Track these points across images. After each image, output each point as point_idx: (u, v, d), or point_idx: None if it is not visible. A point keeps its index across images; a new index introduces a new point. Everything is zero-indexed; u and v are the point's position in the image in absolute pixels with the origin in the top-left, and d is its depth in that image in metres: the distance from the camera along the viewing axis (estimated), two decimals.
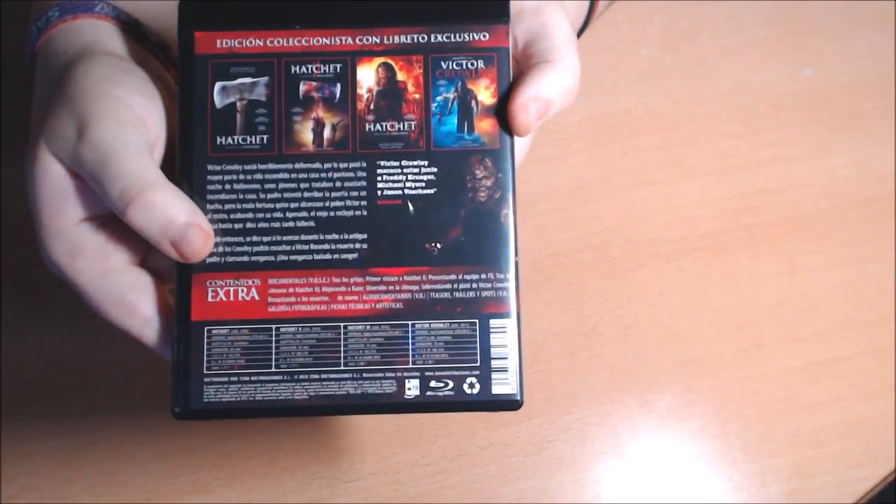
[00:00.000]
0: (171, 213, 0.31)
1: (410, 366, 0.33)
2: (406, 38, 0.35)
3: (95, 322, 0.49)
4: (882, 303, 0.51)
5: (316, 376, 0.33)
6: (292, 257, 0.33)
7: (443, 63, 0.35)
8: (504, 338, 0.33)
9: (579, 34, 0.45)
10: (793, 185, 0.53)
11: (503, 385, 0.33)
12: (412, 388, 0.33)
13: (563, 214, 0.52)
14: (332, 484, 0.47)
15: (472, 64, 0.35)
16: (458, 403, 0.33)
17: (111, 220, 0.33)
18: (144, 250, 0.34)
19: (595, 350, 0.50)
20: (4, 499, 0.46)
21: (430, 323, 0.33)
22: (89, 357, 0.49)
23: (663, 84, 0.55)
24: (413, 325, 0.33)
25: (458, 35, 0.35)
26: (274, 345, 0.33)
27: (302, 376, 0.33)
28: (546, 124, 0.54)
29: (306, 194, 0.34)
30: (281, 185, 0.34)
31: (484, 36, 0.35)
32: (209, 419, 0.33)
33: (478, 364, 0.33)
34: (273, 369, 0.33)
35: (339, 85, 0.34)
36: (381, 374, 0.33)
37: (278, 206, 0.33)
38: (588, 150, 0.54)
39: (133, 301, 0.33)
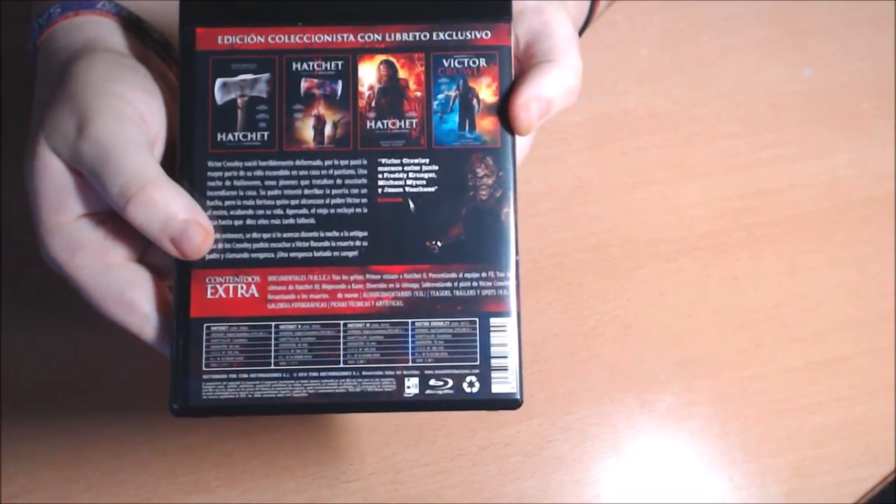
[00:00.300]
0: (170, 209, 0.31)
1: (410, 364, 0.33)
2: (408, 36, 0.34)
3: (95, 322, 0.49)
4: (882, 303, 0.51)
5: (315, 374, 0.33)
6: (292, 254, 0.33)
7: (444, 61, 0.35)
8: (504, 337, 0.33)
9: (580, 33, 0.45)
10: (793, 185, 0.53)
11: (503, 384, 0.33)
12: (412, 386, 0.33)
13: (563, 214, 0.52)
14: (332, 484, 0.47)
15: (474, 62, 0.35)
16: (458, 402, 0.33)
17: (110, 216, 0.33)
18: (143, 247, 0.34)
19: (595, 350, 0.50)
20: (4, 499, 0.46)
21: (430, 321, 0.33)
22: (89, 357, 0.49)
23: (663, 84, 0.55)
24: (413, 323, 0.33)
25: (459, 33, 0.35)
26: (273, 342, 0.33)
27: (301, 374, 0.33)
28: (546, 124, 0.54)
29: (307, 191, 0.34)
30: (281, 182, 0.33)
31: (486, 34, 0.35)
32: (207, 416, 0.33)
33: (478, 363, 0.33)
34: (272, 367, 0.33)
35: (340, 82, 0.34)
36: (380, 373, 0.33)
37: (278, 202, 0.33)
38: (588, 150, 0.54)
39: (132, 298, 0.33)
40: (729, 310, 0.51)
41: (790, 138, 0.54)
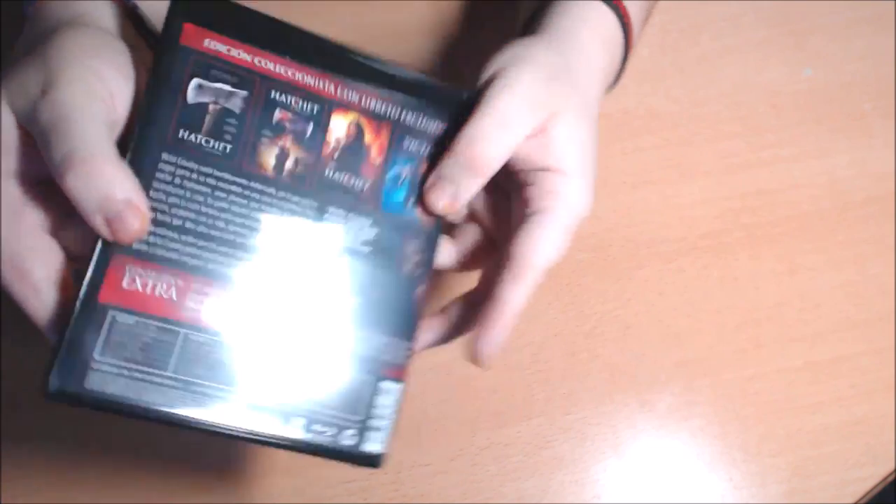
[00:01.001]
0: (114, 188, 0.30)
1: (300, 405, 0.33)
2: (381, 106, 0.36)
3: None
4: (882, 303, 0.51)
5: (209, 392, 0.32)
6: (222, 270, 0.33)
7: (405, 142, 0.36)
8: (389, 400, 0.35)
9: (621, 70, 0.43)
10: (793, 185, 0.53)
11: (374, 444, 0.35)
12: (297, 427, 0.33)
13: None
14: (332, 484, 0.47)
15: (429, 151, 0.36)
16: (331, 450, 0.34)
17: (39, 183, 0.32)
18: (59, 225, 0.33)
19: (595, 350, 0.50)
20: (4, 499, 0.46)
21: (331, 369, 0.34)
22: None
23: (663, 84, 0.55)
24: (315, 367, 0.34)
25: (424, 121, 0.36)
26: (177, 348, 0.32)
27: (196, 388, 0.32)
28: None
29: (253, 214, 0.33)
30: (231, 197, 0.33)
31: (445, 130, 0.36)
32: (83, 407, 0.31)
33: (361, 419, 0.34)
34: (169, 373, 0.32)
35: (312, 125, 0.35)
36: (270, 407, 0.33)
37: (223, 216, 0.33)
38: None
39: (29, 267, 0.31)
40: (729, 310, 0.51)
41: (790, 138, 0.54)
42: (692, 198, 0.53)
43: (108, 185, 0.30)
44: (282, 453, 0.47)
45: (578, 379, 0.49)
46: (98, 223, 0.30)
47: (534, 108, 0.35)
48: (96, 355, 0.30)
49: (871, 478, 0.48)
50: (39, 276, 0.31)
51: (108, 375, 0.31)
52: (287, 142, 0.34)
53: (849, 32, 0.56)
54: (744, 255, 0.52)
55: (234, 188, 0.33)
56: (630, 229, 0.52)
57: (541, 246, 0.35)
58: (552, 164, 0.36)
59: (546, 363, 0.50)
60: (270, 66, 0.34)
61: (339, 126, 0.35)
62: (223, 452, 0.48)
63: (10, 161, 0.31)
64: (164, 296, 0.32)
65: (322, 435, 0.34)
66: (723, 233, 0.52)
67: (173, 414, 0.31)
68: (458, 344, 0.50)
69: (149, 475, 0.47)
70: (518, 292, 0.35)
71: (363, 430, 0.34)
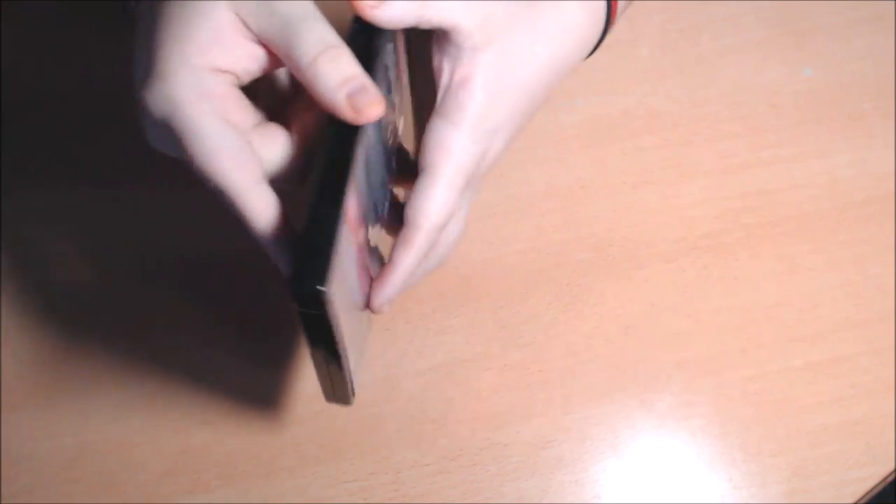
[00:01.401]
0: (357, 69, 0.32)
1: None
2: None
3: (95, 321, 0.49)
4: (882, 303, 0.51)
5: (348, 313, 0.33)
6: (362, 194, 0.34)
7: None
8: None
9: (601, 39, 0.42)
10: (793, 185, 0.53)
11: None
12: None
13: (563, 214, 0.52)
14: (332, 484, 0.47)
15: None
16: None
17: (235, 83, 0.33)
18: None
19: (595, 350, 0.50)
20: (4, 499, 0.47)
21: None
22: (89, 357, 0.49)
23: (663, 84, 0.55)
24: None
25: None
26: (342, 257, 0.31)
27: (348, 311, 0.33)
28: (546, 124, 0.54)
29: (373, 156, 0.36)
30: (374, 137, 0.35)
31: None
32: (312, 315, 0.30)
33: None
34: (340, 282, 0.31)
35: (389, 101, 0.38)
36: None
37: (370, 153, 0.35)
38: (588, 151, 0.54)
39: (251, 163, 0.32)
40: (729, 310, 0.51)
41: (790, 138, 0.54)
42: (692, 198, 0.53)
43: (353, 67, 0.32)
44: (283, 452, 0.48)
45: (578, 379, 0.49)
46: (340, 101, 0.32)
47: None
48: (330, 265, 0.30)
49: (871, 478, 0.48)
50: (259, 175, 0.32)
51: (334, 286, 0.30)
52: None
53: (849, 32, 0.56)
54: (744, 255, 0.52)
55: (375, 133, 0.35)
56: (630, 229, 0.52)
57: (426, 207, 0.36)
58: (454, 117, 0.36)
59: (546, 363, 0.50)
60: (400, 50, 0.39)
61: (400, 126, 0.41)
62: (223, 452, 0.48)
63: (219, 57, 0.32)
64: (354, 217, 0.33)
65: None
66: (723, 233, 0.52)
67: (342, 342, 0.32)
68: (459, 344, 0.50)
69: (148, 475, 0.47)
70: (407, 254, 0.37)
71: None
